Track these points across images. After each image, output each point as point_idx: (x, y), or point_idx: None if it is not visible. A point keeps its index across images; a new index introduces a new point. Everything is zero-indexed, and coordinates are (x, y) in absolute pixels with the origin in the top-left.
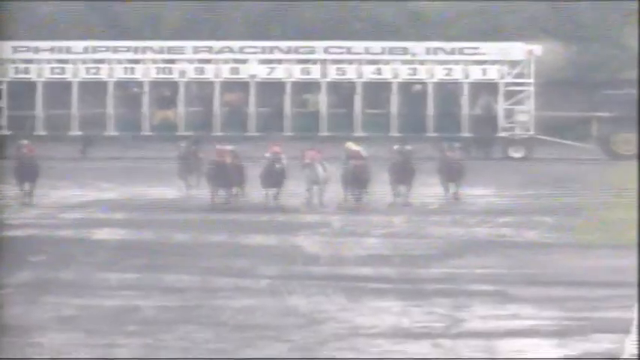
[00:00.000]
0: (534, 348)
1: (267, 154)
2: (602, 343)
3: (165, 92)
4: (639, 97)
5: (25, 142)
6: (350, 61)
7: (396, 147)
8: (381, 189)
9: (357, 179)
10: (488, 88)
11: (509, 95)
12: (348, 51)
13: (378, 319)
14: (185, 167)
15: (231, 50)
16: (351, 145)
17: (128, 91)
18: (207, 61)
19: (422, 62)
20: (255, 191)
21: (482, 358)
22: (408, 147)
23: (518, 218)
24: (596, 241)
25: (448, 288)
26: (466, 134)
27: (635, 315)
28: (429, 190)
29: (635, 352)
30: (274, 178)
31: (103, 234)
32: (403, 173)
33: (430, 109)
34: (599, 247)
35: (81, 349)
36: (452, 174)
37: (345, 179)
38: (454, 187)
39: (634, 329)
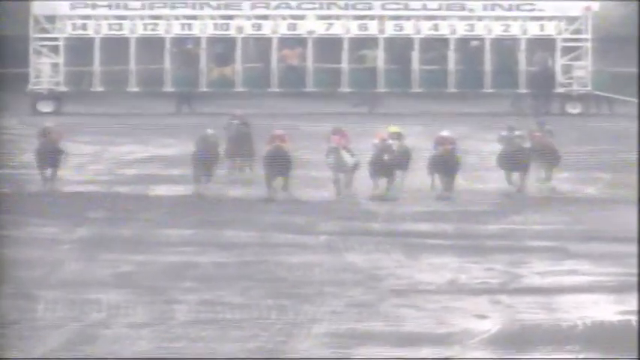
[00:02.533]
0: (592, 304)
1: (375, 141)
2: None
3: (222, 48)
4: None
5: (52, 126)
6: (407, 17)
7: (503, 133)
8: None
9: (446, 166)
10: (545, 44)
11: (567, 51)
12: (406, 7)
13: (436, 275)
14: (234, 149)
15: (288, 6)
16: (393, 128)
17: (185, 47)
18: (265, 17)
19: (479, 18)
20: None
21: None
22: (517, 132)
23: (575, 174)
24: None
25: (506, 244)
26: (523, 90)
27: None
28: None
29: None
30: (383, 168)
31: (161, 190)
32: (515, 162)
33: (487, 66)
34: None
35: (138, 305)
36: (542, 160)
37: (431, 167)
38: (546, 173)
39: None
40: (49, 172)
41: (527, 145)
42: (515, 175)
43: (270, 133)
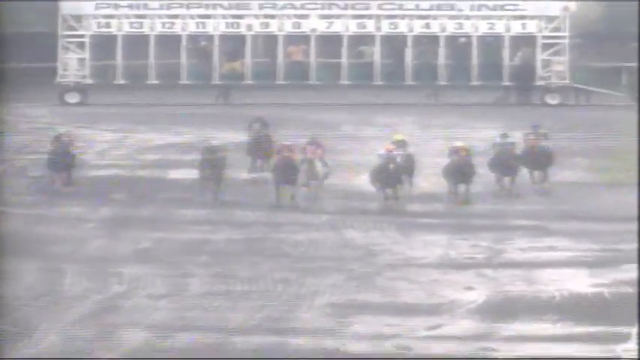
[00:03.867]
0: (569, 277)
1: (382, 152)
2: (631, 273)
3: (233, 45)
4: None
5: (64, 132)
6: (402, 17)
7: (497, 140)
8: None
9: (460, 174)
10: (527, 41)
11: (547, 47)
12: (400, 7)
13: (427, 251)
14: (255, 150)
15: (293, 6)
16: (397, 137)
17: (199, 44)
18: (272, 17)
19: (467, 17)
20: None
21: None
22: (510, 139)
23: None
24: (626, 180)
25: (491, 223)
26: (507, 83)
27: None
28: (479, 133)
29: None
30: (389, 178)
31: (177, 174)
32: (506, 168)
33: (474, 60)
34: (629, 185)
35: (156, 278)
36: (537, 163)
37: (447, 175)
38: (541, 175)
39: None
40: (61, 175)
41: (519, 152)
42: (506, 180)
43: (279, 144)
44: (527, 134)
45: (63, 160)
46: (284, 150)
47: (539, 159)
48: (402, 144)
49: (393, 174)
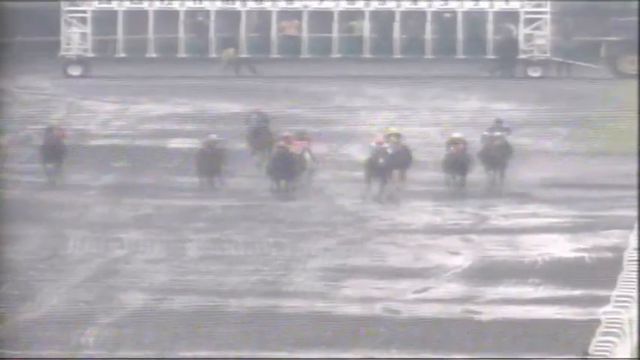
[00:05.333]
0: (551, 242)
1: (372, 144)
2: (610, 238)
3: (229, 19)
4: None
5: (56, 123)
6: None
7: (485, 133)
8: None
9: (458, 165)
10: (510, 16)
11: (529, 22)
12: None
13: (415, 217)
14: (255, 144)
15: None
16: (391, 129)
17: (196, 19)
18: None
19: None
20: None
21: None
22: (498, 133)
23: (536, 129)
24: (604, 149)
25: (475, 190)
26: (491, 56)
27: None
28: (462, 104)
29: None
30: (378, 171)
31: (176, 143)
32: (494, 160)
33: (460, 35)
34: (607, 154)
35: (155, 243)
36: (457, 166)
37: (446, 166)
38: (499, 171)
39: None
40: (52, 166)
41: (508, 143)
42: (493, 172)
43: (278, 135)
44: (490, 129)
45: (55, 152)
46: (282, 141)
47: (498, 155)
48: (396, 136)
49: (383, 168)
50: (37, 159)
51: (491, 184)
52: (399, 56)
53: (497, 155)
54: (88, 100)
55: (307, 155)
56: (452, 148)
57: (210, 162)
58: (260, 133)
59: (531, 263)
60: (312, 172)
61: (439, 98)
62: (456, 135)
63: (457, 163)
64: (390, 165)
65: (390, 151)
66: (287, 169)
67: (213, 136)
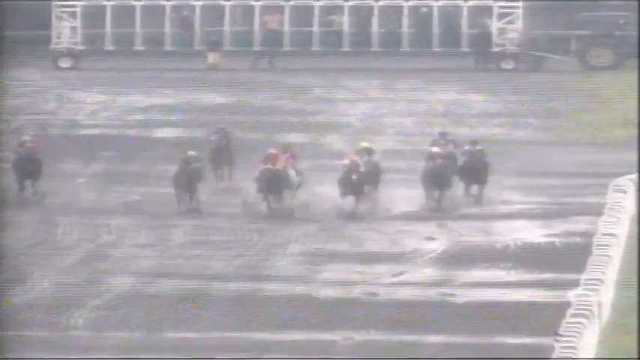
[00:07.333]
0: (522, 228)
1: (346, 161)
2: (580, 224)
3: (214, 14)
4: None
5: (29, 137)
6: None
7: (467, 147)
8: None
9: (437, 180)
10: (484, 10)
11: (502, 16)
12: None
13: (392, 204)
14: (218, 161)
15: None
16: (363, 144)
17: (182, 13)
18: None
19: None
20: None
21: None
22: (479, 147)
23: (508, 120)
24: (574, 139)
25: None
26: (465, 49)
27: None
28: (438, 96)
29: (608, 231)
30: (351, 187)
31: (162, 133)
32: (475, 173)
33: (435, 29)
34: (577, 144)
35: (142, 229)
36: (436, 181)
37: (424, 181)
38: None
39: (606, 212)
40: (27, 182)
41: (487, 159)
42: (474, 187)
43: (264, 153)
44: (434, 141)
45: (29, 166)
46: (268, 160)
47: (481, 170)
48: (368, 151)
49: (355, 184)
50: (12, 174)
51: (470, 198)
52: (377, 49)
53: (480, 170)
54: (78, 91)
55: (292, 172)
56: (430, 162)
57: (188, 182)
58: (223, 150)
59: (503, 248)
60: (298, 187)
61: (415, 90)
62: (435, 149)
63: (436, 178)
64: (362, 182)
65: (362, 168)
66: (273, 187)
67: (192, 153)
